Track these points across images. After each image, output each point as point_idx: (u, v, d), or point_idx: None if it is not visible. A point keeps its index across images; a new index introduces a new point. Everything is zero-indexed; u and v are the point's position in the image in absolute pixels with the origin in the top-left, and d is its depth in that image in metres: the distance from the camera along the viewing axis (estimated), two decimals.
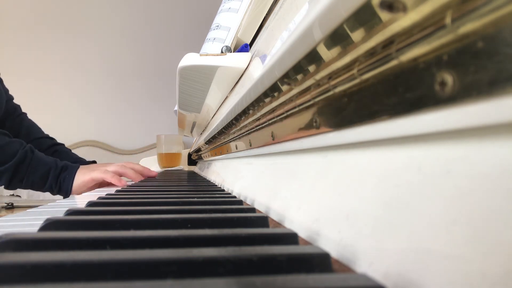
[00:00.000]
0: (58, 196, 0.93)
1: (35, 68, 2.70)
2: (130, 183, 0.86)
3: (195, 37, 2.57)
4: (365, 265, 0.17)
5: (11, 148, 0.85)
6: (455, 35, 0.12)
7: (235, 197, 0.44)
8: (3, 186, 1.05)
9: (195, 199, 0.40)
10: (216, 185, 0.68)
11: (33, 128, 1.13)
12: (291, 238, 0.22)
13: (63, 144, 1.16)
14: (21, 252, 0.19)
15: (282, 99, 0.30)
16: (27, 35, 2.71)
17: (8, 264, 0.16)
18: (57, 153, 1.11)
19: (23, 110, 1.15)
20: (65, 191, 0.88)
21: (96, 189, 0.84)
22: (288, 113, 0.30)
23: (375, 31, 0.16)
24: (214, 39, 0.72)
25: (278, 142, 0.35)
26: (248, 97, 0.39)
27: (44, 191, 0.90)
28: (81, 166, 0.91)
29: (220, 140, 0.74)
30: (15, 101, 1.14)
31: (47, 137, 1.15)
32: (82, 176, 0.88)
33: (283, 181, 0.34)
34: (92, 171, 0.88)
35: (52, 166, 0.88)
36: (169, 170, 1.52)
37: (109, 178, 0.85)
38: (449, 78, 0.12)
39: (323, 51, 0.21)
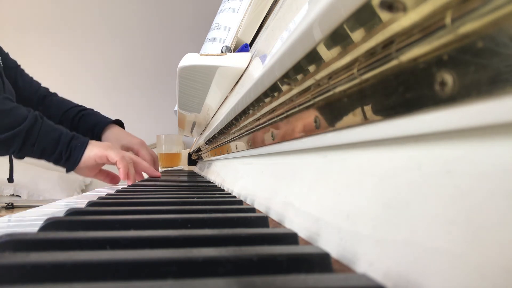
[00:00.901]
0: (58, 196, 0.92)
1: (35, 69, 2.69)
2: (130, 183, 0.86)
3: (195, 37, 2.57)
4: (365, 265, 0.17)
5: (20, 112, 0.82)
6: (455, 35, 0.12)
7: (235, 197, 0.45)
8: (7, 180, 1.03)
9: (195, 199, 0.40)
10: (216, 185, 0.68)
11: (61, 103, 1.11)
12: (291, 238, 0.22)
13: (91, 109, 1.13)
14: (21, 252, 0.19)
15: (282, 99, 0.30)
16: (27, 36, 2.71)
17: (8, 264, 0.16)
18: (83, 117, 1.08)
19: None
20: (74, 160, 0.85)
21: (96, 189, 0.84)
22: (288, 113, 0.30)
23: (375, 31, 0.16)
24: (214, 39, 0.72)
25: (278, 142, 0.35)
26: (248, 97, 0.39)
27: (52, 160, 0.87)
28: (92, 140, 0.88)
29: (220, 140, 0.74)
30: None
31: (75, 105, 1.12)
32: (97, 149, 0.85)
33: (283, 181, 0.34)
34: (108, 149, 0.86)
35: (63, 132, 0.86)
36: (169, 170, 1.52)
37: (121, 166, 0.83)
38: (449, 78, 0.12)
39: (323, 51, 0.21)
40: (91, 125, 1.07)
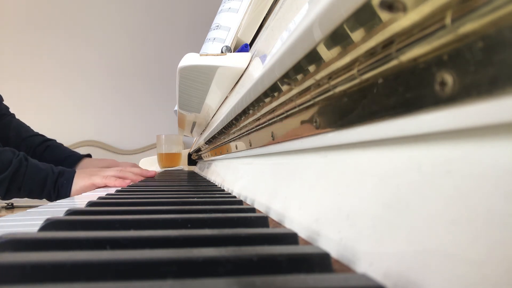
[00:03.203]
0: None
1: (35, 69, 2.70)
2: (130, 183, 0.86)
3: (195, 37, 2.57)
4: (365, 265, 0.17)
5: (5, 157, 0.83)
6: (455, 35, 0.12)
7: (235, 197, 0.44)
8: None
9: (195, 199, 0.40)
10: (216, 185, 0.68)
11: (22, 127, 1.13)
12: (291, 238, 0.22)
13: (54, 140, 1.17)
14: (21, 252, 0.19)
15: (282, 99, 0.30)
16: (27, 35, 2.71)
17: (8, 264, 0.16)
18: (49, 148, 1.12)
19: (25, 111, 1.16)
20: (63, 196, 0.87)
21: (96, 189, 0.84)
22: (288, 113, 0.30)
23: (375, 31, 0.16)
24: (214, 39, 0.72)
25: (278, 142, 0.35)
26: (248, 97, 0.39)
27: (42, 198, 0.89)
28: (78, 171, 0.89)
29: (220, 140, 0.74)
30: (14, 102, 1.14)
31: (37, 134, 1.15)
32: (82, 181, 0.87)
33: (283, 181, 0.34)
34: (93, 176, 0.87)
35: (48, 172, 0.86)
36: (169, 170, 1.52)
37: (112, 183, 0.84)
38: (449, 78, 0.12)
39: (323, 51, 0.21)
40: (61, 157, 1.10)
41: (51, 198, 0.88)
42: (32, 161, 0.87)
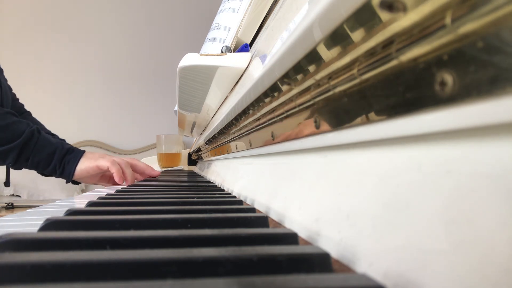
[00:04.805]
0: (58, 196, 0.94)
1: (35, 69, 2.70)
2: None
3: (195, 37, 2.57)
4: (365, 265, 0.17)
5: (19, 127, 0.86)
6: (455, 35, 0.12)
7: (235, 197, 0.44)
8: (4, 186, 1.06)
9: (195, 199, 0.41)
10: (216, 185, 0.68)
11: (39, 124, 1.15)
12: (291, 238, 0.22)
13: (64, 140, 1.18)
14: (21, 252, 0.19)
15: (282, 99, 0.30)
16: (27, 36, 2.71)
17: (8, 264, 0.16)
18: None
19: None
20: (68, 174, 0.89)
21: (96, 189, 0.84)
22: (288, 113, 0.30)
23: (375, 31, 0.16)
24: (214, 39, 0.72)
25: (278, 142, 0.35)
26: (248, 97, 0.39)
27: (47, 172, 0.91)
28: (87, 152, 0.92)
29: (220, 140, 0.74)
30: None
31: (50, 133, 1.16)
32: (87, 162, 0.89)
33: (283, 181, 0.34)
34: (99, 159, 0.89)
35: (58, 146, 0.90)
36: (169, 170, 1.52)
37: (114, 170, 0.86)
38: (449, 78, 0.12)
39: (323, 51, 0.21)
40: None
41: (56, 174, 0.91)
42: (44, 135, 0.90)
